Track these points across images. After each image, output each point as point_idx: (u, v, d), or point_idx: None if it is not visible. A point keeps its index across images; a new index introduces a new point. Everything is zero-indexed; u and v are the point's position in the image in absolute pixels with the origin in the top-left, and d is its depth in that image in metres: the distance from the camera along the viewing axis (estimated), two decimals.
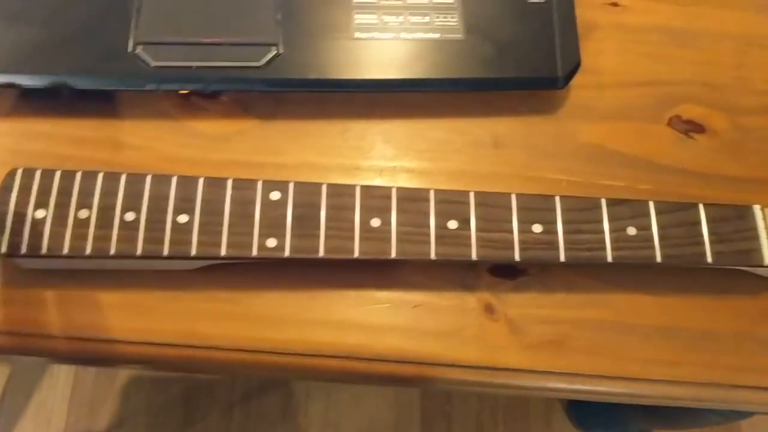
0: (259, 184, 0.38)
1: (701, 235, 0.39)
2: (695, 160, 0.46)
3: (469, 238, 0.37)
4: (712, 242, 0.39)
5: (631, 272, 0.42)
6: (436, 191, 0.38)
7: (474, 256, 0.37)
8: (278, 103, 0.44)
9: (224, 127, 0.43)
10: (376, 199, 0.37)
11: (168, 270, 0.39)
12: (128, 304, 0.39)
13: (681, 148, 0.46)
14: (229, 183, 0.38)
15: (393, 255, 0.36)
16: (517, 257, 0.37)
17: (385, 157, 0.44)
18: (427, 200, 0.38)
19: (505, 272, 0.42)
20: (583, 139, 0.45)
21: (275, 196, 0.38)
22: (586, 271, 0.42)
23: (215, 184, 0.38)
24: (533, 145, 0.45)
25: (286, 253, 0.36)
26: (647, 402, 0.42)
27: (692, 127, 0.47)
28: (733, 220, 0.39)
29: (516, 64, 0.44)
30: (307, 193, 0.38)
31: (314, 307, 0.40)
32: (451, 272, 0.41)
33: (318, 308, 0.40)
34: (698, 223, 0.39)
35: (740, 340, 0.42)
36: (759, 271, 0.41)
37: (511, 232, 0.38)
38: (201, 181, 0.38)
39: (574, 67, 0.44)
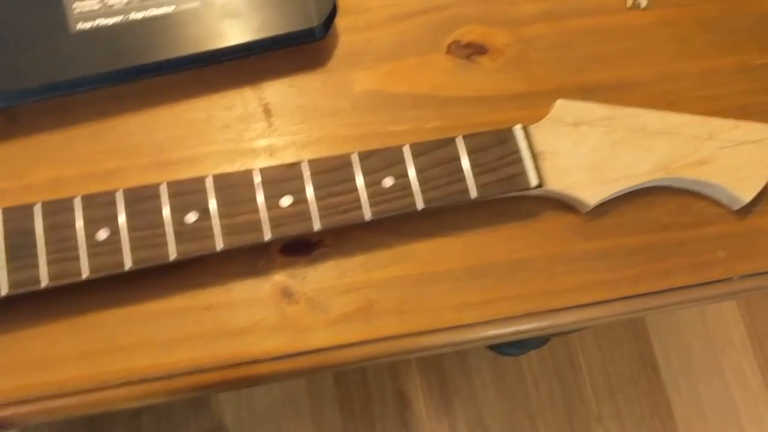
0: None
1: (462, 171, 0.37)
2: (481, 84, 0.43)
3: (211, 228, 0.34)
4: (475, 175, 0.37)
5: (432, 219, 0.40)
6: (169, 184, 0.35)
7: (219, 246, 0.34)
8: (12, 119, 0.39)
9: None
10: (99, 207, 0.34)
11: None
12: None
13: (465, 74, 0.44)
14: None
15: (127, 266, 0.33)
16: (267, 236, 0.35)
17: (149, 153, 0.40)
18: (159, 197, 0.34)
19: (299, 249, 0.39)
20: (359, 87, 0.42)
21: None
22: (385, 228, 0.40)
23: None
24: (308, 105, 0.42)
25: (3, 291, 0.32)
26: (470, 346, 0.40)
27: (473, 50, 0.44)
28: (495, 147, 0.38)
29: (267, 22, 0.40)
30: (19, 218, 0.33)
31: (93, 337, 0.36)
32: (240, 262, 0.38)
33: (98, 336, 0.36)
34: (458, 158, 0.37)
35: (552, 263, 0.40)
36: (533, 192, 0.40)
37: (258, 211, 0.35)
38: None
39: (331, 12, 0.41)
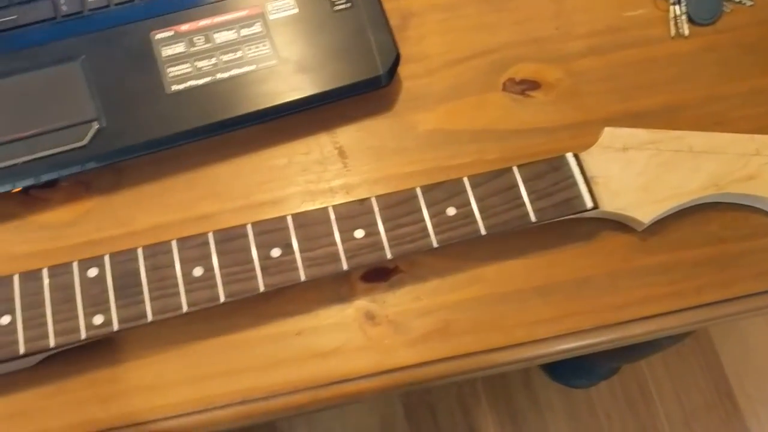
0: (75, 265, 0.38)
1: (520, 197, 0.40)
2: (537, 117, 0.47)
3: (294, 261, 0.38)
4: (532, 201, 0.40)
5: (497, 243, 0.43)
6: (254, 224, 0.39)
7: (302, 277, 0.38)
8: (118, 173, 0.44)
9: (70, 212, 0.43)
10: (193, 249, 0.38)
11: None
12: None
13: (520, 108, 0.47)
14: (45, 272, 0.38)
15: (222, 299, 0.37)
16: (344, 266, 0.38)
17: (238, 197, 0.44)
18: (246, 236, 0.38)
19: (377, 276, 0.42)
20: (423, 127, 0.46)
21: (93, 272, 0.38)
22: (454, 254, 0.43)
23: (30, 278, 0.38)
24: (377, 146, 0.46)
25: (115, 326, 0.36)
26: (544, 361, 0.43)
27: (527, 86, 0.48)
28: (549, 174, 0.40)
29: (337, 74, 0.44)
30: (124, 261, 0.38)
31: (197, 363, 0.40)
32: (325, 290, 0.42)
33: (201, 362, 0.40)
34: (515, 186, 0.40)
35: (615, 278, 0.43)
36: (589, 214, 0.42)
37: (335, 244, 0.38)
38: (15, 278, 0.38)
39: (395, 61, 0.45)
